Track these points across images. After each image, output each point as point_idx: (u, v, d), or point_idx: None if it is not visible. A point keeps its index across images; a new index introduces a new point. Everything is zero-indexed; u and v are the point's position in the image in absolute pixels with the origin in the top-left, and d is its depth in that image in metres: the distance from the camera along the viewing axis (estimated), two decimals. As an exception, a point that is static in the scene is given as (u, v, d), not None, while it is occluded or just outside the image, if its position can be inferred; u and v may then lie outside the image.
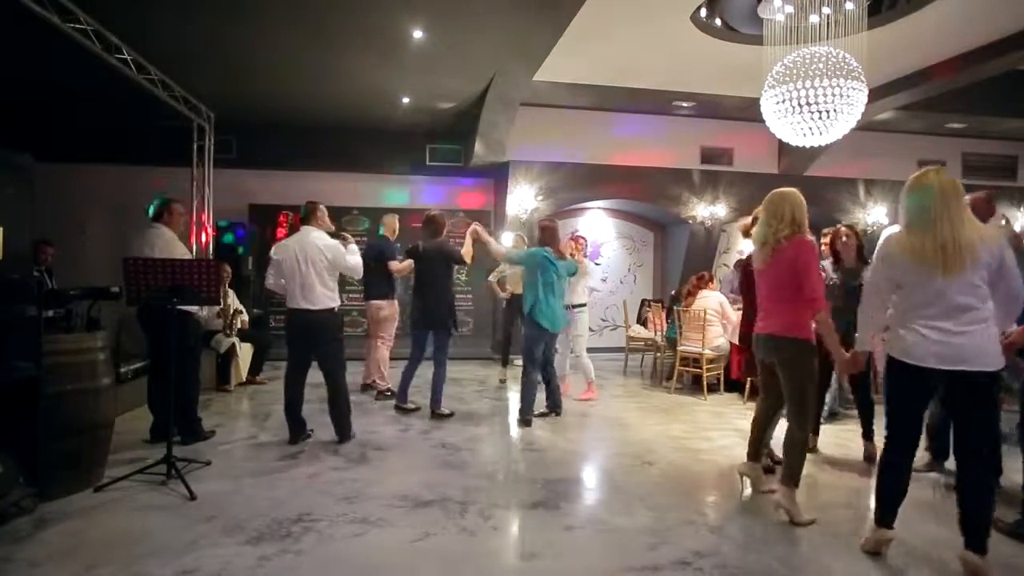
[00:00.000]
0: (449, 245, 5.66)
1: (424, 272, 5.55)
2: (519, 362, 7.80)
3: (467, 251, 5.50)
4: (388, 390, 6.18)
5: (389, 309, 6.35)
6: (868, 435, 4.52)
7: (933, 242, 2.63)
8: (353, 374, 7.21)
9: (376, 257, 6.14)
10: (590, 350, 6.54)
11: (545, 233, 5.51)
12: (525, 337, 5.45)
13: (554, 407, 5.66)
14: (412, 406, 5.58)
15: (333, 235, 4.75)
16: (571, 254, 6.42)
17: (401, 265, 6.09)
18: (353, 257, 4.68)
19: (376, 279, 6.19)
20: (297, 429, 4.63)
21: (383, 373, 6.35)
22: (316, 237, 4.56)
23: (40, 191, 8.00)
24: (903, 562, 2.87)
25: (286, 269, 4.50)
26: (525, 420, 5.28)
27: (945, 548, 2.98)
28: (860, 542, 2.97)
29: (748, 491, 3.74)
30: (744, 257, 4.44)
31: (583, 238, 6.84)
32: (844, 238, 4.66)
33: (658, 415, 5.80)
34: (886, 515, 2.90)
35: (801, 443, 3.31)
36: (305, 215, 4.68)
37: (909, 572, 2.79)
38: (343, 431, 4.66)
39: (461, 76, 7.08)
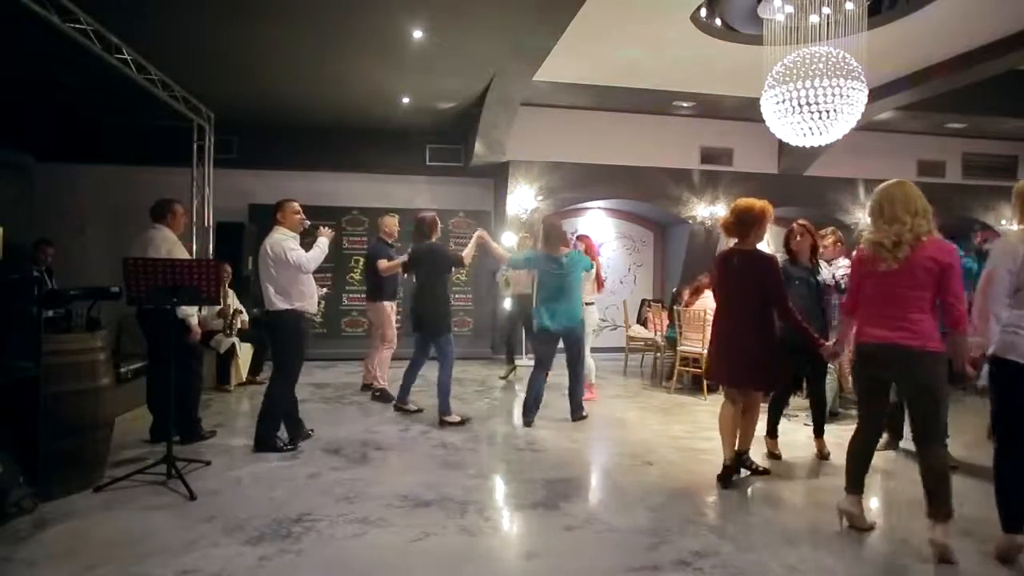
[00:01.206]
0: (442, 248, 5.53)
1: (417, 275, 5.53)
2: (521, 362, 7.86)
3: (468, 254, 5.47)
4: (379, 391, 6.16)
5: (375, 311, 6.36)
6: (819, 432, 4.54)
7: None
8: (352, 373, 7.28)
9: (368, 259, 6.28)
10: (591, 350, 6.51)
11: (544, 231, 5.49)
12: (532, 337, 5.44)
13: (574, 410, 5.45)
14: (413, 407, 5.57)
15: (307, 231, 4.59)
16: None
17: (387, 264, 6.00)
18: (295, 253, 4.30)
19: (368, 280, 6.36)
20: (296, 429, 4.61)
21: (374, 373, 6.30)
22: (271, 238, 4.40)
23: (40, 191, 8.10)
24: (905, 561, 2.86)
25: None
26: (527, 421, 5.27)
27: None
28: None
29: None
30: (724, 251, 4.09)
31: (588, 237, 6.62)
32: (798, 236, 4.62)
33: (658, 415, 5.80)
34: (1012, 521, 2.76)
35: (946, 467, 2.92)
36: (273, 215, 4.56)
37: (910, 571, 2.78)
38: (257, 439, 4.39)
39: (461, 76, 7.08)
